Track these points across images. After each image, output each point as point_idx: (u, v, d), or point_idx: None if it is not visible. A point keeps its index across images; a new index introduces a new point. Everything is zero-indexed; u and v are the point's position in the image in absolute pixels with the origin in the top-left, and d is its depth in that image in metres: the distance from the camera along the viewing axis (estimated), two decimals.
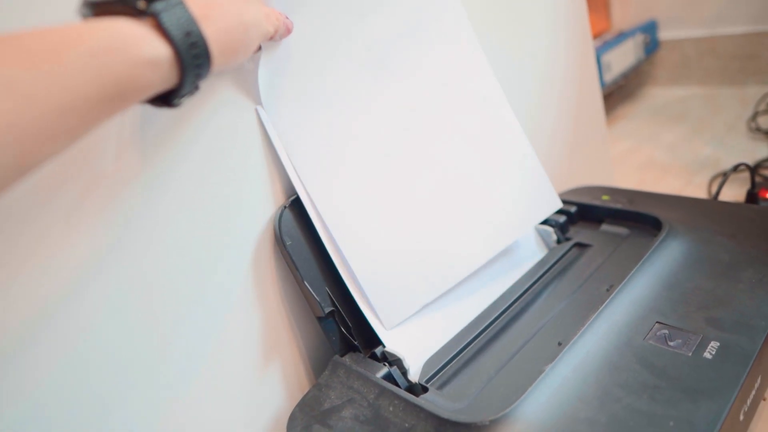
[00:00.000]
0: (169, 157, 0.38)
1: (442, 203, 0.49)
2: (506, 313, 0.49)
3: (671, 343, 0.40)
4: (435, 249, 0.49)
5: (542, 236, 0.58)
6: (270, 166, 0.44)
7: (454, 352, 0.46)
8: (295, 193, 0.44)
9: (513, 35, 0.64)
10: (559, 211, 0.60)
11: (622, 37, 1.22)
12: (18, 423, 0.33)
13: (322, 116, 0.45)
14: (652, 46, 1.30)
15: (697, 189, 0.88)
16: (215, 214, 0.41)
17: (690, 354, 0.39)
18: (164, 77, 0.29)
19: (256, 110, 0.42)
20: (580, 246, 0.56)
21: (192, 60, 0.30)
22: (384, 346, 0.46)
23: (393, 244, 0.47)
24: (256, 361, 0.46)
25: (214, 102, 0.40)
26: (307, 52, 0.44)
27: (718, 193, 0.71)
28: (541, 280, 0.52)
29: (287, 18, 0.42)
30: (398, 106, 0.48)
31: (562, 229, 0.58)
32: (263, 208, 0.44)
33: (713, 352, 0.39)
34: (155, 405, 0.39)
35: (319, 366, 0.50)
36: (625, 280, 0.45)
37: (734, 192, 0.81)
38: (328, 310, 0.45)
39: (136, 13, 0.28)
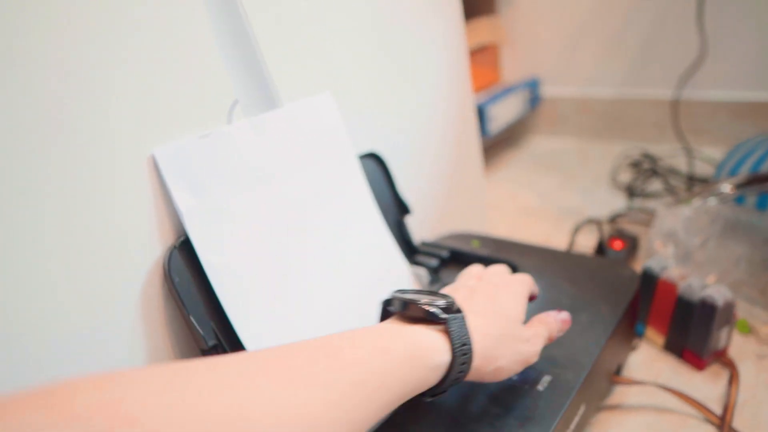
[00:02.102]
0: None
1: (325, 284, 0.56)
2: None
3: (515, 378, 0.47)
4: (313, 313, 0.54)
5: (417, 278, 0.64)
6: (160, 209, 0.47)
7: None
8: (185, 233, 0.48)
9: (400, 88, 0.70)
10: (433, 255, 0.66)
11: (508, 91, 1.33)
12: None
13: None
14: (535, 101, 1.44)
15: (562, 235, 0.98)
16: (106, 250, 0.44)
17: (527, 387, 0.46)
18: (436, 380, 0.35)
19: (153, 158, 0.46)
20: None
21: (459, 366, 0.35)
22: None
23: (278, 303, 0.51)
24: None
25: (108, 144, 0.43)
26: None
27: (571, 244, 0.80)
28: None
29: (558, 318, 0.47)
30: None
31: (435, 271, 0.64)
32: (155, 245, 0.47)
33: (545, 385, 0.46)
34: None
35: None
36: None
37: (593, 240, 0.91)
38: (211, 343, 0.48)
39: (432, 319, 0.36)
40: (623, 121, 1.38)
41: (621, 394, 0.61)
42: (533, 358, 0.43)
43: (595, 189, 1.16)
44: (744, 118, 1.22)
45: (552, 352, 0.50)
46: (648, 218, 0.99)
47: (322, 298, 0.54)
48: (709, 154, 1.19)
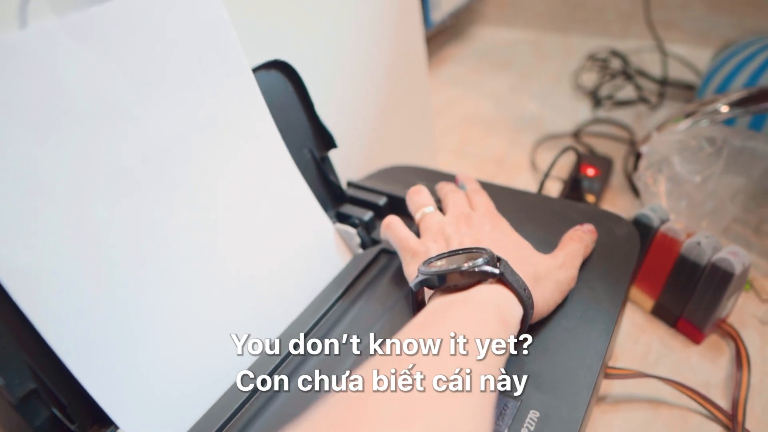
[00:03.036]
0: None
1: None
2: (288, 359, 0.38)
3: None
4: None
5: (345, 239, 0.46)
6: None
7: (222, 422, 0.34)
8: None
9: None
10: (365, 203, 0.49)
11: None
12: None
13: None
14: None
15: (520, 151, 0.82)
16: None
17: (506, 431, 0.31)
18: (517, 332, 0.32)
19: None
20: (388, 253, 0.45)
21: (529, 312, 0.33)
22: (117, 428, 0.32)
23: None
24: None
25: None
26: None
27: (540, 188, 0.63)
28: (337, 306, 0.41)
29: (588, 230, 0.42)
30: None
31: (367, 228, 0.47)
32: None
33: (532, 428, 0.31)
34: None
35: None
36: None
37: (562, 162, 0.75)
38: (25, 391, 0.30)
39: (486, 277, 0.32)
40: (585, 10, 1.19)
41: (606, 382, 0.48)
42: (573, 282, 0.39)
43: (554, 92, 0.99)
44: (720, 9, 1.07)
45: (535, 366, 0.35)
46: (617, 131, 0.84)
47: (208, 293, 0.37)
48: (677, 52, 1.03)
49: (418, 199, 0.44)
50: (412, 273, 0.38)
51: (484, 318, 0.30)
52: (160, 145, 0.35)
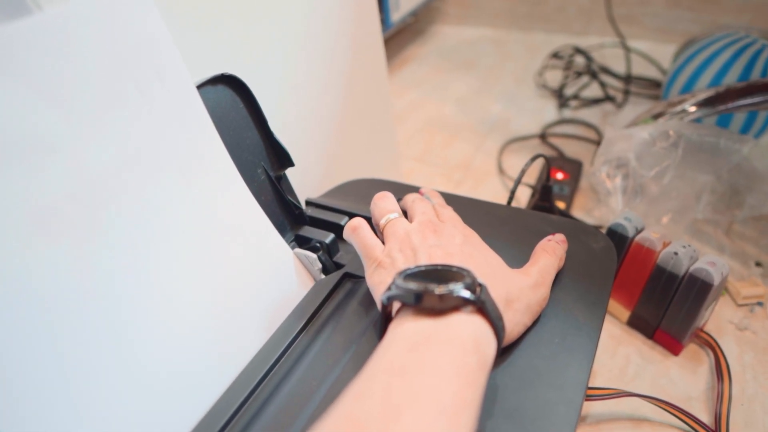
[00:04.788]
0: None
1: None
2: (250, 400, 0.35)
3: None
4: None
5: (305, 264, 0.43)
6: None
7: None
8: None
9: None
10: (326, 224, 0.46)
11: None
12: None
13: None
14: None
15: (486, 156, 0.80)
16: None
17: None
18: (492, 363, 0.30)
19: None
20: (352, 277, 0.42)
21: (501, 342, 0.31)
22: None
23: None
24: None
25: None
26: None
27: (510, 200, 0.61)
28: (299, 340, 0.38)
29: (560, 241, 0.40)
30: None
31: (329, 250, 0.44)
32: None
33: None
34: None
35: None
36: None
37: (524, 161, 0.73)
38: None
39: (465, 303, 0.29)
40: (545, 6, 1.18)
41: (586, 401, 0.46)
42: (545, 303, 0.36)
43: (519, 93, 0.98)
44: (679, 4, 1.06)
45: (513, 404, 0.32)
46: (584, 131, 0.83)
47: (148, 341, 0.33)
48: (639, 48, 1.03)
49: (384, 204, 0.41)
50: (377, 283, 0.36)
51: (465, 362, 0.27)
52: (90, 180, 0.31)
